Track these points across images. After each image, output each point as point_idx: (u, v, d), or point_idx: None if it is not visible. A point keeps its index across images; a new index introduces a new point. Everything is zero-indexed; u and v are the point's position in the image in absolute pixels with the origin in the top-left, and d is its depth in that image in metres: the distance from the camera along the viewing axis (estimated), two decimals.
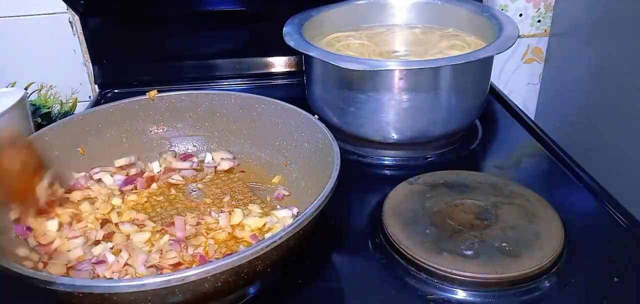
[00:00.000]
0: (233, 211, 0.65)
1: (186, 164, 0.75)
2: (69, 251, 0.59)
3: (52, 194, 0.63)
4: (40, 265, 0.56)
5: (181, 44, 1.07)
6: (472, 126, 0.90)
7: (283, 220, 0.64)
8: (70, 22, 1.07)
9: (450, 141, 0.86)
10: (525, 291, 0.57)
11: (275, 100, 0.74)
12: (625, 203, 0.69)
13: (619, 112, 0.97)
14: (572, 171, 0.77)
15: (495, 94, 1.01)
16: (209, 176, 0.74)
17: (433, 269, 0.58)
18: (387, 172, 0.84)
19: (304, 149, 0.71)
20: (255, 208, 0.67)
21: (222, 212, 0.66)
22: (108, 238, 0.62)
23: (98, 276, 0.56)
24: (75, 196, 0.68)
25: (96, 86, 1.08)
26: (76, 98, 1.11)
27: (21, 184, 0.54)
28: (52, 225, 0.62)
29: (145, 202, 0.69)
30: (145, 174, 0.73)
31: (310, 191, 0.69)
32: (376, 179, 0.81)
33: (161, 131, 0.78)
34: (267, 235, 0.62)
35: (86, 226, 0.63)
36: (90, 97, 1.16)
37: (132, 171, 0.74)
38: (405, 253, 0.60)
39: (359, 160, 0.83)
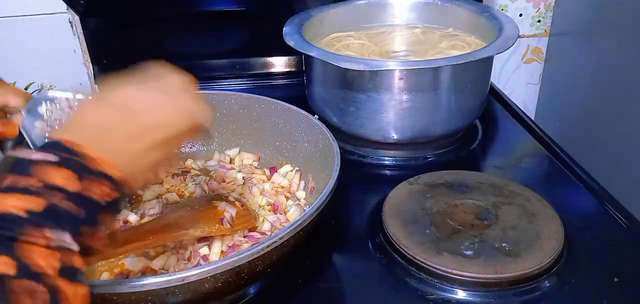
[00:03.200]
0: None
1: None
2: None
3: None
4: None
5: (181, 44, 1.07)
6: (472, 126, 0.90)
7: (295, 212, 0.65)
8: (70, 22, 1.07)
9: (450, 141, 0.86)
10: (525, 291, 0.57)
11: (275, 100, 0.74)
12: (625, 203, 0.69)
13: (619, 112, 0.97)
14: (572, 171, 0.77)
15: (495, 94, 1.01)
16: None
17: (433, 269, 0.58)
18: (387, 172, 0.84)
19: (304, 149, 0.71)
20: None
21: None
22: None
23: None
24: None
25: (96, 86, 1.08)
26: None
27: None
28: None
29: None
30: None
31: (313, 187, 0.69)
32: (376, 179, 0.81)
33: None
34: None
35: None
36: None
37: None
38: (405, 253, 0.60)
39: (359, 160, 0.83)
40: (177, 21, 1.05)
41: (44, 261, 0.31)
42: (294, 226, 0.50)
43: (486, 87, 0.86)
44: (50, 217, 0.32)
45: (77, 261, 0.33)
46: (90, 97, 0.43)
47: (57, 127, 0.53)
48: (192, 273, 0.45)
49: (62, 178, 0.34)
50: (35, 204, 0.32)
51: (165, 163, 0.44)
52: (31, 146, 0.52)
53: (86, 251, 0.34)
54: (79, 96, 0.54)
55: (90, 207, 0.35)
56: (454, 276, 0.57)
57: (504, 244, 0.60)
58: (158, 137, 0.40)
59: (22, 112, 0.52)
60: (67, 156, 0.35)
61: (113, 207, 0.37)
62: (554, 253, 0.59)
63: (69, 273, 0.32)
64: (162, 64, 0.45)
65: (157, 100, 0.42)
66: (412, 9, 0.99)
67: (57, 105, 0.54)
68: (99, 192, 0.35)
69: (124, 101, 0.40)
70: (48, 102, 0.53)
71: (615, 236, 0.65)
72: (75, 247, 0.33)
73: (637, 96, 0.91)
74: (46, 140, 0.48)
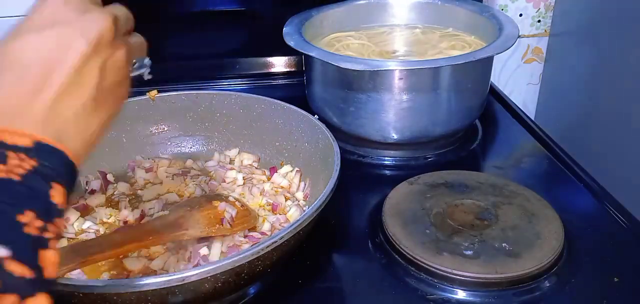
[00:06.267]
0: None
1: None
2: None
3: None
4: None
5: (181, 44, 1.07)
6: (472, 126, 0.90)
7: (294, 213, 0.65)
8: None
9: (450, 141, 0.86)
10: (525, 291, 0.57)
11: (275, 100, 0.74)
12: (625, 203, 0.69)
13: (619, 112, 0.97)
14: (572, 171, 0.77)
15: (495, 94, 1.01)
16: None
17: (433, 269, 0.58)
18: (387, 172, 0.84)
19: (304, 149, 0.71)
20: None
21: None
22: None
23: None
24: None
25: None
26: None
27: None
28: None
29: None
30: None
31: (310, 191, 0.69)
32: (376, 179, 0.81)
33: (161, 130, 0.78)
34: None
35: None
36: None
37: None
38: (405, 253, 0.60)
39: (359, 160, 0.83)
40: (177, 21, 1.04)
41: None
42: (294, 226, 0.50)
43: (486, 87, 0.86)
44: None
45: (16, 268, 0.26)
46: None
47: None
48: (192, 273, 0.45)
49: None
50: None
51: (111, 95, 0.38)
52: None
53: (24, 247, 0.28)
54: None
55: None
56: (454, 276, 0.57)
57: (504, 244, 0.60)
58: (62, 81, 0.33)
59: None
60: None
61: (35, 179, 0.29)
62: (554, 253, 0.59)
63: (12, 286, 0.26)
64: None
65: (40, 40, 0.33)
66: (412, 9, 0.99)
67: None
68: (4, 168, 0.29)
69: (5, 61, 0.33)
70: None
71: (615, 236, 0.65)
72: (3, 251, 0.26)
73: (637, 96, 0.91)
74: None
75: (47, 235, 0.29)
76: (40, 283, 0.27)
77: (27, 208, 0.28)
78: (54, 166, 0.31)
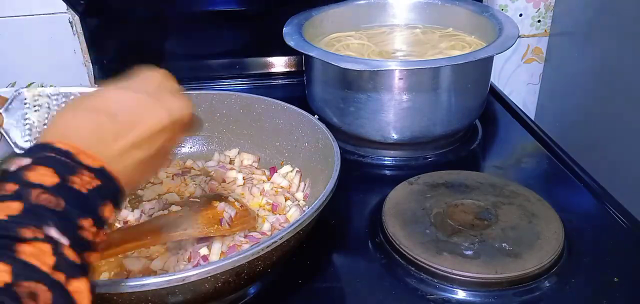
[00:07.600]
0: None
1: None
2: None
3: None
4: None
5: (181, 44, 1.07)
6: (472, 126, 0.90)
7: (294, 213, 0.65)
8: (70, 22, 1.07)
9: (450, 141, 0.86)
10: (525, 291, 0.57)
11: (275, 100, 0.74)
12: (625, 203, 0.69)
13: (619, 112, 0.97)
14: (572, 171, 0.77)
15: (495, 94, 1.01)
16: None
17: (433, 269, 0.58)
18: (387, 172, 0.84)
19: (304, 149, 0.71)
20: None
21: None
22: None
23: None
24: None
25: (96, 85, 1.08)
26: None
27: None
28: None
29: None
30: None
31: (310, 191, 0.69)
32: (376, 179, 0.81)
33: None
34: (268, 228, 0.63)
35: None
36: None
37: None
38: (405, 253, 0.60)
39: (359, 160, 0.83)
40: (177, 21, 1.04)
41: (36, 258, 0.30)
42: (294, 226, 0.50)
43: (486, 87, 0.86)
44: (30, 215, 0.32)
45: (70, 254, 0.32)
46: (67, 103, 0.43)
47: (44, 122, 0.53)
48: (192, 273, 0.45)
49: (37, 175, 0.34)
50: (13, 208, 0.32)
51: (159, 161, 0.45)
52: (12, 146, 0.52)
53: (79, 243, 0.34)
54: (62, 90, 0.54)
55: (71, 197, 0.34)
56: (454, 276, 0.57)
57: (504, 244, 0.60)
58: (138, 136, 0.40)
59: (1, 113, 0.52)
60: (42, 154, 0.35)
61: (97, 195, 0.36)
62: (554, 253, 0.59)
63: (65, 266, 0.32)
64: (143, 66, 0.46)
65: (133, 99, 0.42)
66: (412, 9, 0.99)
67: (40, 103, 0.54)
68: (79, 181, 0.35)
69: (100, 104, 0.41)
70: (29, 101, 0.53)
71: (615, 236, 0.65)
72: (64, 240, 0.32)
73: (637, 96, 0.91)
74: (28, 139, 0.52)
75: (97, 239, 0.36)
76: (84, 271, 0.34)
77: (87, 216, 0.35)
78: (110, 189, 0.37)
